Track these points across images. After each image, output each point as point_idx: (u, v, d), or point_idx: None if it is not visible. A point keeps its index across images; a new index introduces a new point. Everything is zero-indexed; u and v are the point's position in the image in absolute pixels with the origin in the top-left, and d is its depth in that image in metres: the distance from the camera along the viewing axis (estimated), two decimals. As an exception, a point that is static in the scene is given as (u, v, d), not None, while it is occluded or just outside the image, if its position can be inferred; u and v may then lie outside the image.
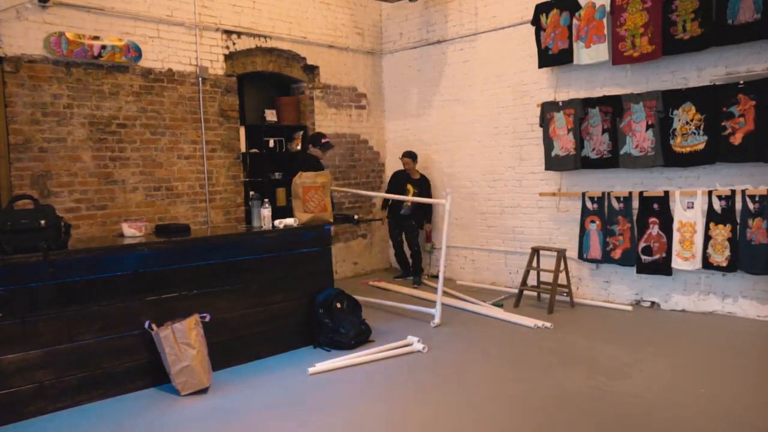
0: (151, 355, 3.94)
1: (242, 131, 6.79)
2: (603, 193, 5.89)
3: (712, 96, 5.12)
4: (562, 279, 5.86)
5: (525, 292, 6.10)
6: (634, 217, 5.68)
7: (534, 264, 6.03)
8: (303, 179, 4.82)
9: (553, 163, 6.20)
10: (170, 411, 3.61)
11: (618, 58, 5.60)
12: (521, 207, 6.74)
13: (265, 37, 6.84)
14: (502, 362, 4.33)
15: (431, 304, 5.69)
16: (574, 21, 5.88)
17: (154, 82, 5.87)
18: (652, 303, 5.76)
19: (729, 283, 5.30)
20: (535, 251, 6.03)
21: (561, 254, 5.79)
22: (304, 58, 7.30)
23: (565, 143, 6.05)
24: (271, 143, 7.23)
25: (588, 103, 5.89)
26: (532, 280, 6.17)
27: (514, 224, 6.83)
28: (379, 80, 8.25)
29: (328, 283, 5.05)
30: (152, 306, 4.00)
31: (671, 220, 5.43)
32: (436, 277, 7.62)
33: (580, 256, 6.07)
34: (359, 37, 7.96)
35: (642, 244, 5.62)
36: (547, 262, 6.18)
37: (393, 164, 8.29)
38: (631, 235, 5.68)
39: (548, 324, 5.16)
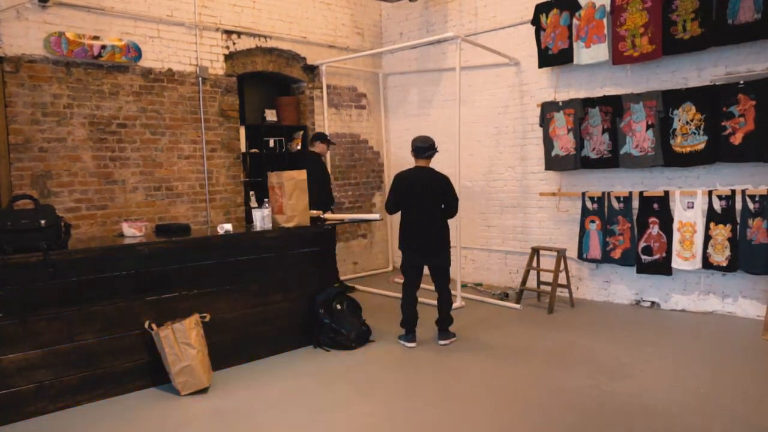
0: (151, 355, 3.94)
1: (242, 131, 6.79)
2: (603, 193, 5.89)
3: (712, 96, 5.12)
4: (561, 279, 5.86)
5: (525, 293, 6.11)
6: (634, 217, 5.68)
7: (534, 264, 6.04)
8: (270, 179, 4.73)
9: (553, 163, 6.20)
10: (170, 411, 3.61)
11: (618, 58, 5.60)
12: (521, 207, 6.74)
13: (265, 37, 6.84)
14: (501, 361, 4.33)
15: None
16: (574, 21, 5.87)
17: (154, 82, 5.87)
18: (652, 303, 5.76)
19: (729, 283, 5.30)
20: (535, 251, 6.03)
21: (561, 254, 5.79)
22: (304, 58, 7.30)
23: (565, 143, 6.05)
24: (271, 143, 7.23)
25: (588, 103, 5.88)
26: (532, 281, 6.17)
27: (514, 224, 6.83)
28: (379, 80, 8.24)
29: (328, 283, 5.05)
30: (152, 306, 4.00)
31: (671, 220, 5.43)
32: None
33: (580, 256, 6.07)
34: (359, 37, 7.96)
35: (642, 244, 5.62)
36: (547, 262, 6.18)
37: (394, 164, 8.29)
38: (631, 234, 5.68)
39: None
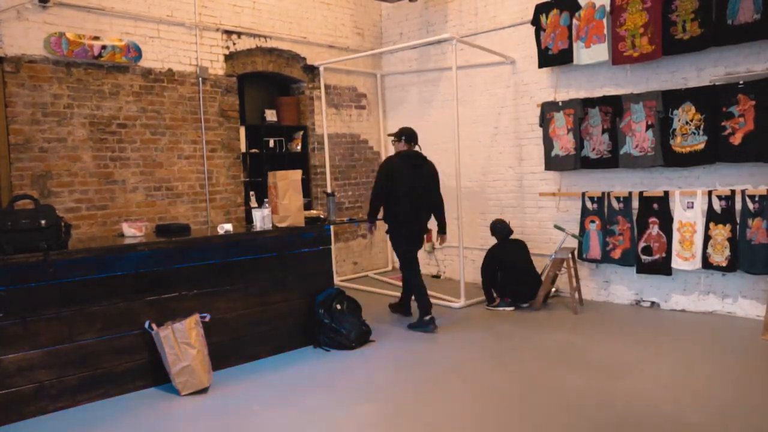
0: (151, 355, 3.95)
1: (242, 131, 6.79)
2: (603, 193, 5.89)
3: (711, 96, 5.12)
4: (561, 279, 5.86)
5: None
6: (634, 217, 5.68)
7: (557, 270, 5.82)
8: (269, 179, 4.75)
9: (553, 163, 6.20)
10: (170, 411, 3.61)
11: (618, 58, 5.60)
12: (521, 207, 6.75)
13: (265, 37, 6.84)
14: (501, 361, 4.33)
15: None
16: (574, 21, 5.88)
17: (154, 82, 5.87)
18: (652, 303, 5.76)
19: (729, 283, 5.30)
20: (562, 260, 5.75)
21: (571, 252, 5.80)
22: (304, 58, 7.30)
23: (565, 143, 6.05)
24: (271, 143, 7.23)
25: (588, 103, 5.89)
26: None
27: (514, 224, 6.82)
28: (379, 80, 8.24)
29: (328, 283, 5.05)
30: (152, 306, 4.00)
31: (671, 220, 5.43)
32: (437, 277, 7.65)
33: (580, 256, 6.06)
34: (359, 37, 7.96)
35: (642, 244, 5.62)
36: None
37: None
38: (631, 235, 5.68)
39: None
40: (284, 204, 4.62)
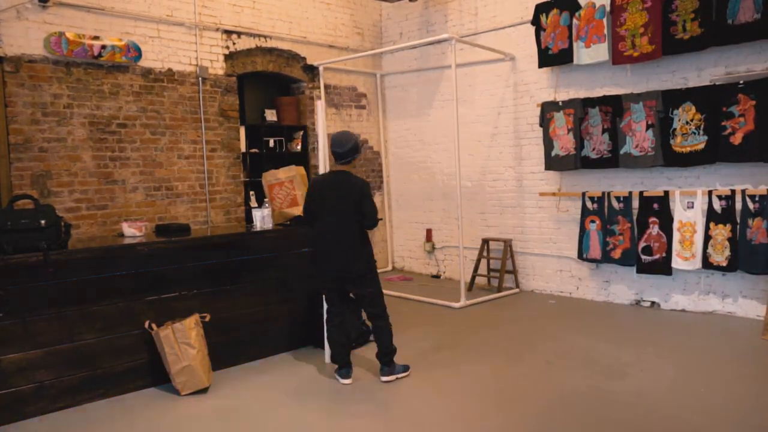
0: (151, 355, 3.94)
1: (242, 131, 6.79)
2: (603, 193, 5.89)
3: (712, 96, 5.12)
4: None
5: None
6: (634, 217, 5.67)
7: (484, 253, 6.79)
8: (267, 178, 4.81)
9: (553, 163, 6.20)
10: (170, 411, 3.61)
11: (618, 57, 5.60)
12: (521, 207, 6.74)
13: (265, 37, 6.84)
14: (500, 361, 4.33)
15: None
16: (574, 21, 5.87)
17: (154, 82, 5.87)
18: (652, 303, 5.76)
19: (729, 282, 5.30)
20: (485, 242, 6.82)
21: (507, 244, 6.57)
22: (304, 58, 7.30)
23: (565, 143, 6.05)
24: (271, 143, 7.23)
25: (588, 102, 5.88)
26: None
27: (514, 224, 6.83)
28: (379, 80, 8.24)
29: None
30: (152, 306, 4.00)
31: (671, 219, 5.43)
32: (437, 276, 7.65)
33: (580, 256, 6.06)
34: (359, 37, 7.96)
35: (642, 244, 5.62)
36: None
37: (393, 164, 8.30)
38: (631, 234, 5.68)
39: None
40: (301, 195, 4.72)
